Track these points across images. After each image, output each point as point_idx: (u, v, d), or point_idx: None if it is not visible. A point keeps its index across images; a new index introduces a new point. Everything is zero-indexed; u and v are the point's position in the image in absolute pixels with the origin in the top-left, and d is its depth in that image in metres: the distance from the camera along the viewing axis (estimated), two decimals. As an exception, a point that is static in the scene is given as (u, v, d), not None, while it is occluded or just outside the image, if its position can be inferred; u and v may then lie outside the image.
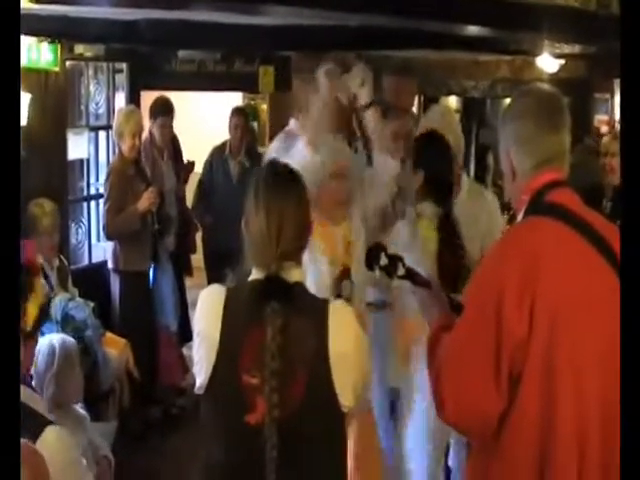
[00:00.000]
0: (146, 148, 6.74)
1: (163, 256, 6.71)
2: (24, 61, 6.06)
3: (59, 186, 6.70)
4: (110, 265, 6.44)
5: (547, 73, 10.40)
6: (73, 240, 7.29)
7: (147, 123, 6.84)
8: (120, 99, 7.76)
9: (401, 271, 3.04)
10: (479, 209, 4.38)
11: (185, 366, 6.97)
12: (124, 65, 7.80)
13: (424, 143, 4.15)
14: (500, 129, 2.61)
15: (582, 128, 9.93)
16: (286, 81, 9.56)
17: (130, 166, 6.33)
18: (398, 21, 5.61)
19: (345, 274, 3.93)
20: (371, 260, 3.15)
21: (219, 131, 8.10)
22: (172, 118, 6.94)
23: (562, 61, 10.14)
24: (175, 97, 7.29)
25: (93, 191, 7.56)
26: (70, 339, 4.51)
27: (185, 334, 6.91)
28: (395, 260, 3.06)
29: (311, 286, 3.67)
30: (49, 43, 6.42)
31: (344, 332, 2.51)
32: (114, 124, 6.46)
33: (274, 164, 2.84)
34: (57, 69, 6.59)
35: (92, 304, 5.64)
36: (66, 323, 5.35)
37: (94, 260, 7.35)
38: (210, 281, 6.82)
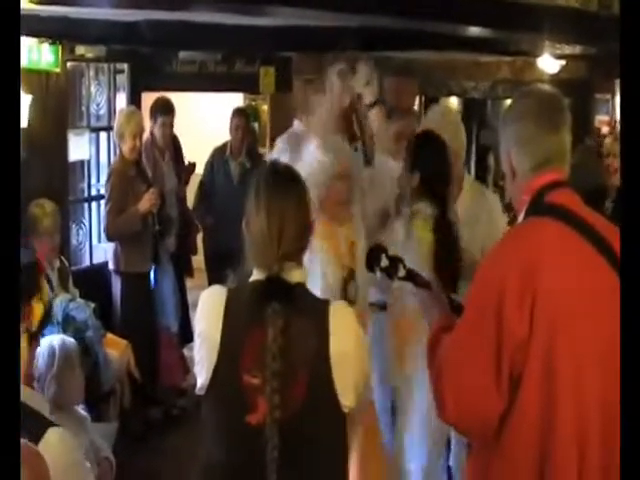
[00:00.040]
0: (147, 149, 6.75)
1: (164, 257, 6.71)
2: (25, 62, 6.07)
3: (60, 187, 6.71)
4: (111, 266, 6.44)
5: (548, 74, 10.40)
6: (74, 241, 7.29)
7: (148, 124, 6.85)
8: (121, 100, 7.76)
9: (402, 272, 3.04)
10: (479, 209, 4.38)
11: (186, 367, 6.97)
12: (125, 66, 7.81)
13: (420, 143, 4.15)
14: (501, 130, 2.61)
15: (583, 129, 9.94)
16: (287, 82, 9.56)
17: (131, 167, 6.33)
18: (399, 22, 5.62)
19: (350, 276, 3.93)
20: (372, 261, 3.16)
21: (220, 132, 8.10)
22: (173, 118, 6.94)
23: (563, 62, 10.14)
24: (176, 98, 7.29)
25: (94, 192, 7.56)
26: (70, 340, 4.51)
27: (186, 335, 6.92)
28: (396, 261, 3.07)
29: (316, 287, 3.69)
30: (50, 44, 6.43)
31: (345, 333, 2.51)
32: (115, 125, 6.47)
33: (275, 164, 2.84)
34: (58, 70, 6.60)
35: (93, 305, 5.64)
36: (67, 324, 5.35)
37: (95, 261, 7.35)
38: (211, 282, 6.83)
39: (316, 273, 3.82)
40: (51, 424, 3.18)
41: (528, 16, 5.48)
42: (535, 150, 2.51)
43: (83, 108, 7.55)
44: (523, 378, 2.32)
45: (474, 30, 6.05)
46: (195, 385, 2.60)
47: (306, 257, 3.56)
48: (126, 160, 6.32)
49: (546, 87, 2.75)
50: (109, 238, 6.40)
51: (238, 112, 7.86)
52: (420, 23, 5.63)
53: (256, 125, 10.24)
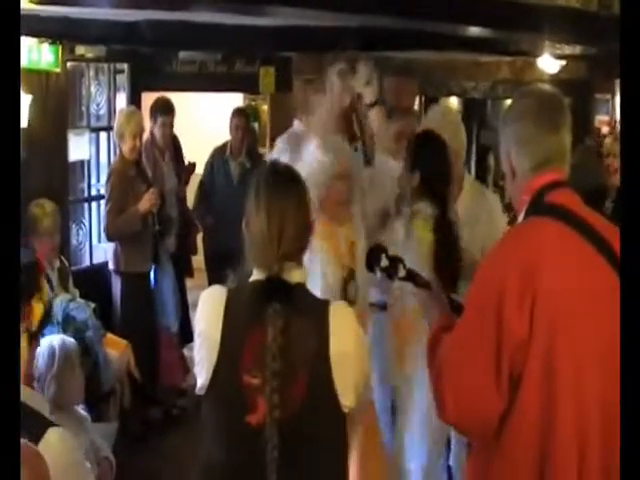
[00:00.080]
0: (147, 149, 6.75)
1: (164, 257, 6.71)
2: (25, 62, 6.07)
3: (60, 187, 6.71)
4: (111, 266, 6.44)
5: (548, 74, 10.40)
6: (74, 241, 7.29)
7: (148, 124, 6.85)
8: (121, 100, 7.76)
9: (402, 272, 3.04)
10: (479, 209, 4.38)
11: (186, 367, 6.97)
12: (125, 66, 7.81)
13: (420, 143, 4.15)
14: (501, 130, 2.61)
15: (583, 129, 9.94)
16: (287, 82, 9.56)
17: (131, 167, 6.33)
18: (399, 22, 5.62)
19: (350, 276, 3.93)
20: (372, 261, 3.16)
21: (220, 132, 8.10)
22: (173, 117, 6.94)
23: (563, 62, 10.14)
24: (176, 98, 7.29)
25: (94, 192, 7.56)
26: (70, 340, 4.51)
27: (186, 335, 6.92)
28: (396, 262, 3.07)
29: (316, 287, 3.69)
30: (50, 44, 6.43)
31: (345, 332, 2.51)
32: (115, 125, 6.47)
33: (275, 165, 2.84)
34: (58, 70, 6.60)
35: (93, 305, 5.65)
36: (67, 324, 5.35)
37: (95, 261, 7.35)
38: (211, 282, 6.83)
39: (316, 273, 3.82)
40: (51, 424, 3.18)
41: (528, 16, 5.48)
42: (535, 150, 2.51)
43: (83, 108, 7.55)
44: (523, 378, 2.32)
45: (474, 30, 6.05)
46: (195, 385, 2.60)
47: (306, 257, 3.56)
48: (126, 160, 6.32)
49: (546, 87, 2.75)
50: (109, 238, 6.40)
51: (238, 112, 7.87)
52: (420, 23, 5.63)
53: (256, 125, 10.25)
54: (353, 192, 4.02)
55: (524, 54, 9.52)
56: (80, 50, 7.00)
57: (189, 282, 7.44)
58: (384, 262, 3.10)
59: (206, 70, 8.89)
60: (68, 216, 6.89)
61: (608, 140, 9.42)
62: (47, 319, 5.21)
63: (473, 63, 11.49)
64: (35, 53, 6.31)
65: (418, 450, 4.12)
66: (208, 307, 2.58)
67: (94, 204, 7.53)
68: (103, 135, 7.67)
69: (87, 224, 7.48)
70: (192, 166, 7.32)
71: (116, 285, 6.43)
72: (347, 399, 2.50)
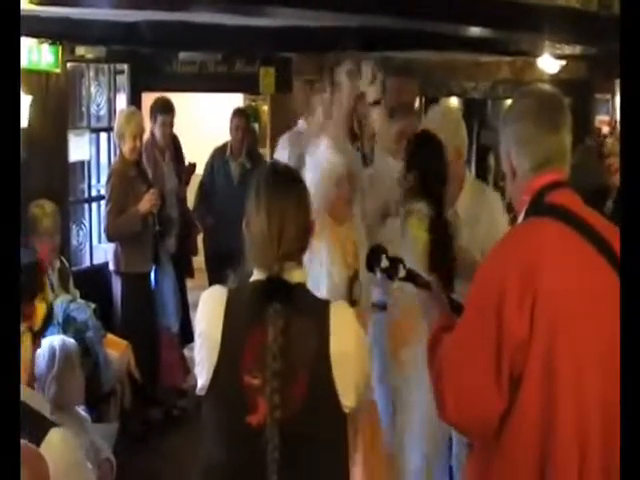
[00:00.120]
0: (147, 149, 6.75)
1: (164, 258, 6.71)
2: (25, 63, 6.07)
3: (60, 187, 6.71)
4: (111, 267, 6.44)
5: (548, 74, 10.40)
6: (74, 242, 7.29)
7: (148, 124, 6.85)
8: (121, 100, 7.77)
9: (402, 273, 3.04)
10: (480, 208, 4.38)
11: (186, 367, 6.98)
12: (125, 66, 7.81)
13: (417, 143, 4.15)
14: (501, 130, 2.61)
15: (583, 129, 9.93)
16: (287, 82, 9.56)
17: (131, 168, 6.33)
18: (399, 22, 5.62)
19: (355, 276, 3.92)
20: (372, 262, 3.15)
21: (220, 132, 8.11)
22: (173, 117, 6.94)
23: (563, 62, 10.14)
24: (176, 98, 7.30)
25: (94, 193, 7.56)
26: (70, 340, 4.51)
27: (186, 335, 6.93)
28: (396, 262, 3.06)
29: (322, 287, 3.69)
30: (50, 44, 6.43)
31: (345, 332, 2.51)
32: (115, 126, 6.47)
33: (275, 165, 2.85)
34: (58, 71, 6.60)
35: (93, 306, 5.65)
36: (67, 324, 5.36)
37: (95, 262, 7.34)
38: (211, 282, 6.83)
39: (323, 273, 3.82)
40: (53, 424, 3.18)
41: (528, 16, 5.49)
42: (535, 150, 2.51)
43: (83, 109, 7.55)
44: (523, 378, 2.32)
45: (474, 30, 6.05)
46: (195, 386, 2.60)
47: (313, 257, 3.56)
48: (126, 161, 6.32)
49: (546, 87, 2.75)
50: (109, 239, 6.40)
51: (238, 112, 7.87)
52: (420, 23, 5.64)
53: (256, 126, 10.25)
54: (356, 192, 4.03)
55: (524, 54, 9.52)
56: (80, 51, 7.00)
57: (189, 282, 7.45)
58: (384, 262, 3.09)
59: (206, 70, 8.89)
60: (68, 217, 6.89)
61: (609, 140, 9.43)
62: (50, 319, 5.21)
63: (473, 63, 11.49)
64: (35, 54, 6.31)
65: (418, 450, 4.12)
66: (208, 307, 2.58)
67: (94, 205, 7.54)
68: (103, 136, 7.67)
69: (87, 225, 7.48)
70: (192, 167, 7.32)
71: (116, 286, 6.43)
72: (347, 399, 2.50)
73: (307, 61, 9.44)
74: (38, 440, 2.98)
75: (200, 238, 7.67)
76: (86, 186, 7.56)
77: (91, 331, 5.45)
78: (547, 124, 2.51)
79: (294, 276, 2.54)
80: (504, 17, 5.43)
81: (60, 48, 6.55)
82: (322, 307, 2.54)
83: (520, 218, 2.56)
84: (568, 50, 8.45)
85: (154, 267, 6.63)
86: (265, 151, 9.62)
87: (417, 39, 7.11)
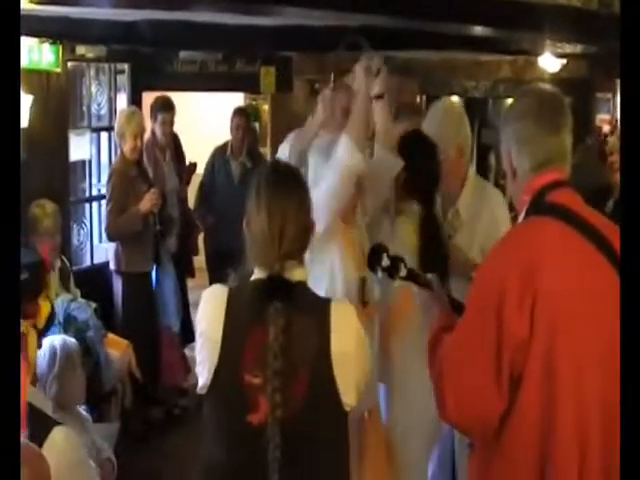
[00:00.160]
0: (148, 148, 6.75)
1: (165, 257, 6.71)
2: (26, 62, 6.07)
3: (61, 187, 6.71)
4: (112, 266, 6.44)
5: (549, 73, 10.39)
6: (75, 241, 7.29)
7: (149, 124, 6.85)
8: (122, 100, 7.77)
9: (403, 272, 3.04)
10: (480, 205, 4.37)
11: (187, 367, 6.98)
12: (126, 66, 7.81)
13: (407, 142, 4.14)
14: (501, 129, 2.61)
15: (584, 128, 9.92)
16: (287, 82, 9.57)
17: (132, 167, 6.33)
18: (399, 22, 5.62)
19: (367, 276, 3.91)
20: (373, 261, 3.15)
21: (220, 132, 8.11)
22: (173, 115, 6.94)
23: (564, 61, 10.13)
24: (176, 98, 7.29)
25: (95, 192, 7.56)
26: (71, 340, 4.52)
27: (187, 335, 6.93)
28: (397, 261, 3.06)
29: (336, 289, 3.68)
30: (50, 44, 6.43)
31: (346, 331, 2.51)
32: (116, 125, 6.48)
33: (275, 164, 2.85)
34: (59, 70, 6.60)
35: (94, 305, 5.65)
36: (68, 324, 5.36)
37: (96, 261, 7.34)
38: (212, 282, 6.82)
39: (335, 274, 3.82)
40: (56, 423, 3.19)
41: (529, 15, 5.49)
42: (535, 150, 2.51)
43: (84, 108, 7.56)
44: (523, 378, 2.32)
45: (475, 29, 6.05)
46: (196, 385, 2.60)
47: (325, 258, 3.57)
48: (127, 160, 6.32)
49: (547, 87, 2.74)
50: (110, 238, 6.41)
51: (239, 112, 7.87)
52: (421, 22, 5.63)
53: (257, 125, 10.25)
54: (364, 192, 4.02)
55: (525, 53, 9.52)
56: (81, 50, 7.00)
57: (190, 282, 7.45)
58: (385, 261, 3.09)
59: (207, 70, 8.90)
60: (69, 216, 6.89)
61: (612, 138, 9.42)
62: (53, 317, 5.21)
63: (474, 62, 11.49)
64: (36, 53, 6.31)
65: (414, 449, 4.11)
66: (209, 306, 2.58)
67: (95, 204, 7.54)
68: (104, 135, 7.67)
69: (88, 224, 7.48)
70: (193, 166, 7.32)
71: (117, 285, 6.44)
72: (349, 397, 2.51)
73: (308, 60, 9.45)
74: (41, 438, 2.99)
75: (201, 237, 7.67)
76: (87, 185, 7.56)
77: (92, 330, 5.45)
78: (548, 124, 2.51)
79: (295, 275, 2.54)
80: (505, 16, 5.43)
81: (60, 47, 6.55)
82: (323, 306, 2.55)
83: (521, 217, 2.56)
84: (569, 49, 8.45)
85: (155, 266, 6.63)
86: (266, 150, 9.63)
87: (417, 38, 7.11)
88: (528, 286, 2.30)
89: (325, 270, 3.81)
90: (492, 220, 4.31)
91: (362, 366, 2.58)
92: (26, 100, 5.98)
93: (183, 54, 8.58)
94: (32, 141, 6.05)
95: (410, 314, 3.87)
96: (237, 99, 10.32)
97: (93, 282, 6.47)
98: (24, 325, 4.24)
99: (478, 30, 6.09)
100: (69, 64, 6.87)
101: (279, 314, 2.44)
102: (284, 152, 4.11)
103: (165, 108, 6.90)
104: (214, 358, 2.50)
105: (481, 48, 8.32)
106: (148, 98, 7.49)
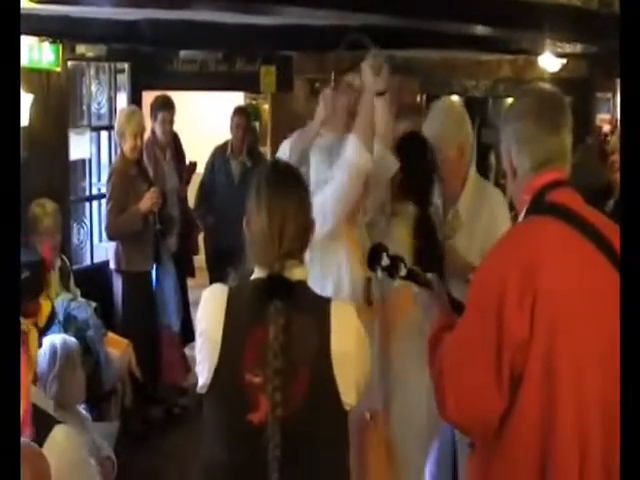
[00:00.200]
0: (148, 147, 6.75)
1: (165, 256, 6.71)
2: (26, 61, 6.07)
3: (61, 186, 6.70)
4: (112, 265, 6.44)
5: (549, 72, 10.38)
6: (75, 240, 7.29)
7: (149, 123, 6.85)
8: (122, 99, 7.77)
9: (403, 272, 3.04)
10: (480, 205, 4.37)
11: (187, 366, 6.98)
12: (126, 65, 7.81)
13: (403, 143, 4.14)
14: (501, 129, 2.61)
15: (584, 128, 9.92)
16: (288, 81, 9.57)
17: (132, 166, 6.33)
18: (400, 21, 5.62)
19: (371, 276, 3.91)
20: (373, 261, 3.15)
21: (221, 131, 8.11)
22: (173, 113, 6.94)
23: (564, 60, 10.13)
24: (176, 97, 7.29)
25: (95, 191, 7.57)
26: (71, 339, 4.52)
27: (187, 334, 6.93)
28: (397, 260, 3.06)
29: (344, 289, 3.68)
30: (51, 43, 6.43)
31: (346, 330, 2.51)
32: (116, 124, 6.48)
33: (275, 163, 2.85)
34: (59, 69, 6.59)
35: (94, 304, 5.66)
36: (68, 323, 5.36)
37: (96, 260, 7.34)
38: (212, 281, 6.82)
39: (342, 273, 3.81)
40: (57, 421, 3.19)
41: (529, 14, 5.49)
42: (535, 150, 2.51)
43: (84, 107, 7.56)
44: (523, 378, 2.32)
45: (475, 28, 6.05)
46: (196, 384, 2.60)
47: (331, 259, 3.57)
48: (127, 159, 6.32)
49: (547, 86, 2.74)
50: (110, 237, 6.41)
51: (239, 111, 7.87)
52: (421, 22, 5.63)
53: (257, 124, 10.25)
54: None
55: (525, 52, 9.52)
56: (81, 49, 7.00)
57: (190, 281, 7.45)
58: (385, 261, 3.09)
59: (207, 69, 8.90)
60: (69, 215, 6.89)
61: (613, 138, 9.41)
62: (54, 316, 5.22)
63: (474, 61, 11.48)
64: (36, 52, 6.31)
65: (413, 448, 4.11)
66: (209, 306, 2.58)
67: (95, 203, 7.54)
68: (104, 134, 7.67)
69: (88, 223, 7.48)
70: (193, 166, 7.32)
71: (117, 284, 6.43)
72: (349, 397, 2.51)
73: (308, 60, 9.45)
74: (42, 437, 2.99)
75: (201, 237, 7.67)
76: (87, 185, 7.57)
77: (92, 330, 5.46)
78: (548, 124, 2.51)
79: (295, 274, 2.54)
80: (505, 15, 5.43)
81: (61, 47, 6.54)
82: (323, 305, 2.54)
83: (521, 217, 2.56)
84: (569, 48, 8.44)
85: (155, 266, 6.63)
86: (266, 150, 9.63)
87: (418, 38, 7.10)
88: (528, 285, 2.30)
89: (331, 270, 3.81)
90: (492, 220, 4.30)
91: (362, 366, 2.58)
92: (26, 99, 5.97)
93: (183, 53, 8.58)
94: (32, 140, 6.05)
95: (410, 314, 3.87)
96: (237, 98, 10.33)
97: (93, 281, 6.47)
98: (26, 324, 4.24)
99: (478, 29, 6.09)
100: (69, 63, 6.87)
101: (279, 313, 2.44)
102: (285, 151, 4.10)
103: (165, 107, 6.90)
104: (214, 357, 2.50)
105: (481, 47, 8.32)
106: (148, 97, 7.49)
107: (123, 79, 7.83)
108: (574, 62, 10.51)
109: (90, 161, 7.52)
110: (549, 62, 10.10)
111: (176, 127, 7.13)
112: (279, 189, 2.57)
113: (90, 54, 7.17)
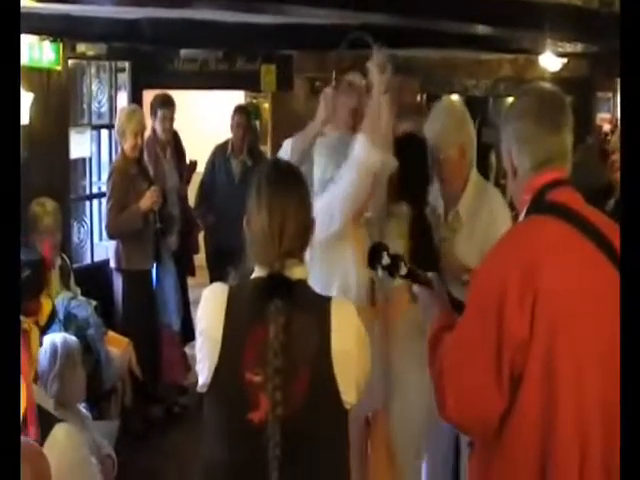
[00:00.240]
0: (148, 146, 6.75)
1: (165, 255, 6.70)
2: (26, 60, 6.07)
3: (61, 185, 6.71)
4: (112, 264, 6.44)
5: (549, 72, 10.39)
6: (75, 239, 7.30)
7: (149, 122, 6.85)
8: (122, 98, 7.77)
9: (403, 270, 3.04)
10: (480, 206, 4.37)
11: (187, 365, 6.98)
12: (126, 64, 7.82)
13: (400, 144, 4.13)
14: (502, 128, 2.61)
15: (584, 127, 9.92)
16: (288, 80, 9.57)
17: (132, 165, 6.33)
18: (400, 20, 5.61)
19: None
20: (373, 259, 3.15)
21: (221, 130, 8.11)
22: (173, 111, 6.94)
23: (564, 60, 10.13)
24: (177, 96, 7.29)
25: (95, 190, 7.57)
26: (72, 338, 4.52)
27: (187, 333, 6.92)
28: (397, 259, 3.06)
29: (351, 289, 3.68)
30: (51, 42, 6.43)
31: (346, 329, 2.51)
32: (116, 123, 6.48)
33: (276, 162, 2.85)
34: (59, 68, 6.60)
35: (94, 303, 5.66)
36: (68, 322, 5.37)
37: (96, 259, 7.35)
38: (212, 280, 6.82)
39: (348, 272, 3.81)
40: (58, 420, 3.19)
41: (530, 14, 5.49)
42: (536, 149, 2.51)
43: (84, 106, 7.56)
44: (524, 378, 2.32)
45: (476, 28, 6.05)
46: (196, 383, 2.60)
47: (337, 258, 3.56)
48: (127, 158, 6.32)
49: (548, 86, 2.74)
50: (110, 236, 6.41)
51: (239, 110, 7.86)
52: (421, 21, 5.63)
53: (257, 123, 10.25)
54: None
55: (526, 52, 9.52)
56: (81, 48, 7.01)
57: (191, 280, 7.45)
58: (385, 260, 3.09)
59: (207, 68, 8.90)
60: (69, 214, 6.89)
61: (614, 137, 9.41)
62: (55, 315, 5.22)
63: (475, 61, 11.48)
64: (36, 51, 6.31)
65: (412, 448, 4.11)
66: (210, 305, 2.58)
67: (95, 202, 7.55)
68: (104, 133, 7.68)
69: (88, 222, 7.48)
70: (193, 164, 7.32)
71: (117, 283, 6.43)
72: (349, 396, 2.51)
73: (308, 59, 9.45)
74: (43, 436, 2.99)
75: (201, 236, 7.67)
76: (87, 183, 7.57)
77: (92, 328, 5.46)
78: (548, 123, 2.51)
79: (295, 273, 2.54)
80: (506, 15, 5.43)
81: (61, 45, 6.55)
82: (323, 304, 2.54)
83: (521, 217, 2.56)
84: (569, 48, 8.44)
85: (155, 264, 6.63)
86: (266, 149, 9.63)
87: (418, 37, 7.11)
88: (528, 285, 2.30)
89: (338, 270, 3.81)
90: (492, 221, 4.29)
91: (362, 364, 2.58)
92: (26, 98, 5.97)
93: (184, 52, 8.58)
94: (32, 139, 6.06)
95: (410, 314, 3.87)
96: (238, 97, 10.33)
97: (93, 280, 6.47)
98: (27, 322, 4.24)
99: (479, 29, 6.09)
100: (70, 62, 6.87)
101: (279, 312, 2.44)
102: (286, 150, 4.10)
103: (165, 104, 6.90)
104: (214, 356, 2.50)
105: (482, 47, 8.32)
106: (149, 96, 7.49)
107: (124, 78, 7.83)
108: (575, 61, 10.52)
109: (90, 160, 7.53)
110: (550, 61, 10.10)
111: (176, 126, 7.13)
112: (280, 188, 2.57)
113: (91, 53, 7.17)
